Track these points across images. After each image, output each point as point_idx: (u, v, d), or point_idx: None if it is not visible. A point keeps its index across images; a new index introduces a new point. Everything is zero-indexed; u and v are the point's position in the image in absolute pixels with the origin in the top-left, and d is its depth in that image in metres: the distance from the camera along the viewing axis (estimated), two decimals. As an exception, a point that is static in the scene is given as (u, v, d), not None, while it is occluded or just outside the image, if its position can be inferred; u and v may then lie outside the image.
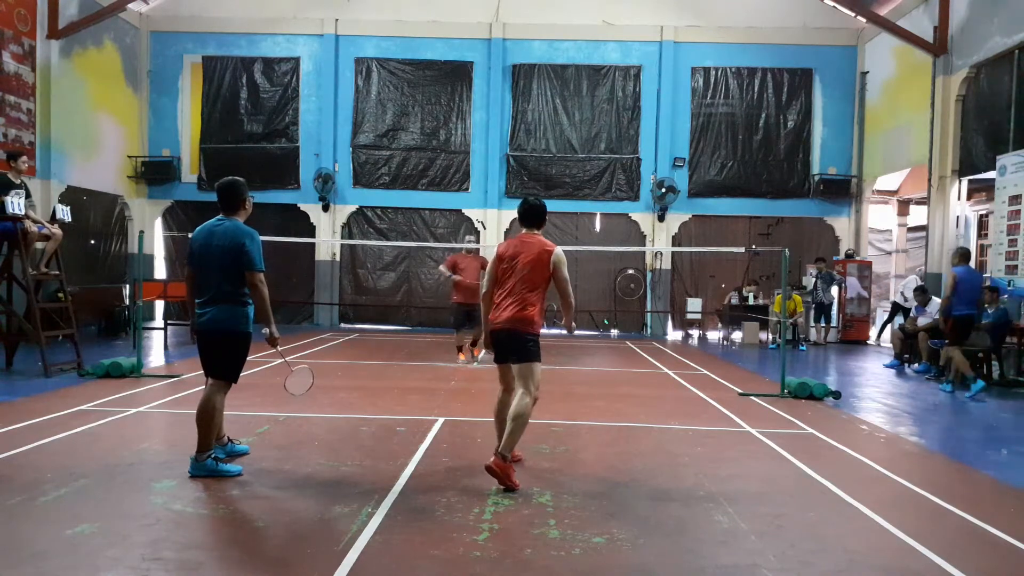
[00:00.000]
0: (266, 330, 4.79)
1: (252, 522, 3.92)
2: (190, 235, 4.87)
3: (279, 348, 4.94)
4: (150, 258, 17.14)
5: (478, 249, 11.32)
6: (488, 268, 5.03)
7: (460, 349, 10.72)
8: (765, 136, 16.92)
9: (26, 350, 9.50)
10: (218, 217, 4.79)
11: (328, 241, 16.92)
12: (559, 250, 4.88)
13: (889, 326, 14.05)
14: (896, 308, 13.87)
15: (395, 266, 17.42)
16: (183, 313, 15.99)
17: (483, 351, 10.74)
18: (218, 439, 4.93)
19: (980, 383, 8.75)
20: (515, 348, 4.81)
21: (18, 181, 8.82)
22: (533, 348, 4.82)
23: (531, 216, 5.02)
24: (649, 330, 17.23)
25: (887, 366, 11.60)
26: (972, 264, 10.36)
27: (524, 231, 5.00)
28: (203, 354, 4.79)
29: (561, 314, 5.25)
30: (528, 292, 4.79)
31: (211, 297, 4.67)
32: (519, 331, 4.79)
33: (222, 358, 4.74)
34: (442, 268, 10.67)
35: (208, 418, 4.65)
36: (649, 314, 17.20)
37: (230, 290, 4.65)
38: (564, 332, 5.56)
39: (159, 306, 16.15)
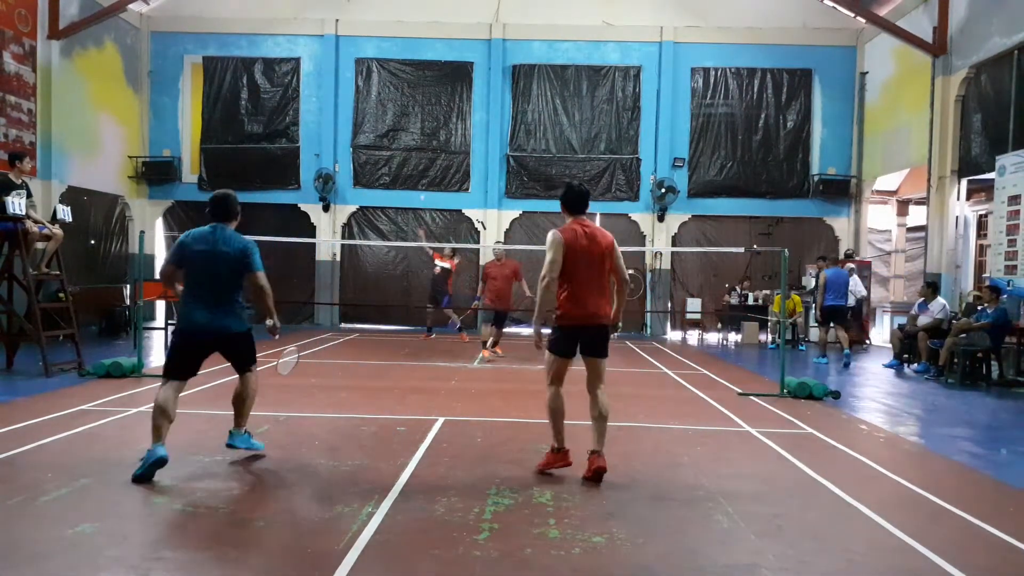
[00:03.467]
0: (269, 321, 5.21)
1: (252, 522, 3.92)
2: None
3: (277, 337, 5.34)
4: (151, 258, 17.11)
5: (504, 253, 11.71)
6: (556, 257, 4.65)
7: (495, 344, 11.27)
8: (765, 136, 16.92)
9: (27, 350, 9.50)
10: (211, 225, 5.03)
11: (328, 241, 16.93)
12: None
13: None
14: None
15: (395, 266, 17.42)
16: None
17: (490, 351, 11.01)
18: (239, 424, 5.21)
19: (824, 359, 11.89)
20: (604, 342, 4.80)
21: (19, 181, 8.82)
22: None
23: (584, 200, 4.85)
24: (649, 330, 17.23)
25: (887, 366, 11.61)
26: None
27: (575, 218, 4.80)
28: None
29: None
30: (607, 283, 4.79)
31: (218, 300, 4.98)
32: (607, 325, 4.78)
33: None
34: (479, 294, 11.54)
35: (244, 400, 5.14)
36: (649, 314, 17.20)
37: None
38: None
39: (160, 306, 16.14)
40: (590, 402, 4.86)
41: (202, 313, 4.87)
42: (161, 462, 4.57)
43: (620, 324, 5.04)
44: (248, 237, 5.09)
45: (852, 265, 14.13)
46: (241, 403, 5.14)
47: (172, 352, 4.99)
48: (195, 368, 5.00)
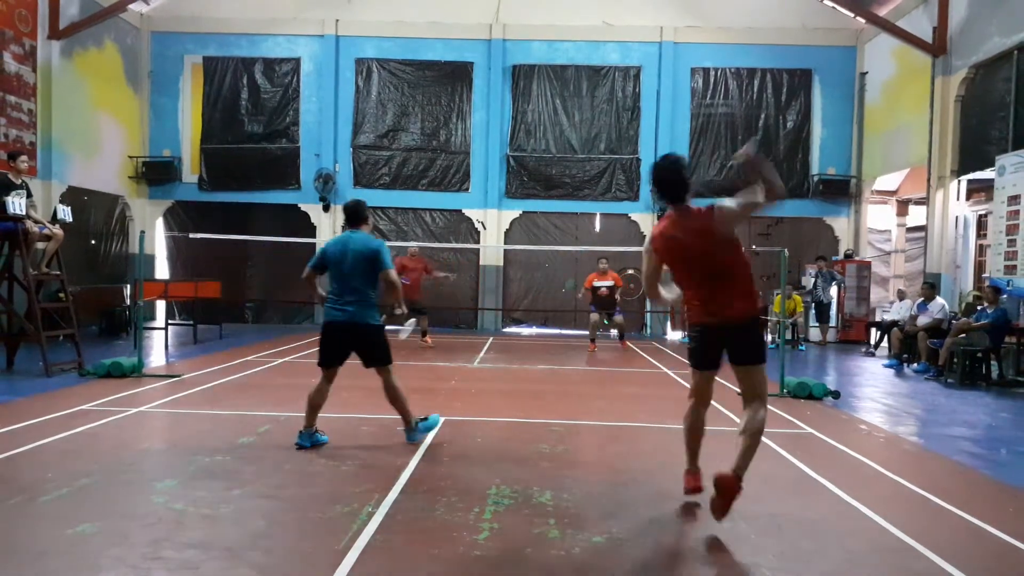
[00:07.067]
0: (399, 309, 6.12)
1: (252, 522, 3.93)
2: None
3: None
4: (151, 258, 17.13)
5: (418, 251, 13.27)
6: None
7: (425, 334, 12.74)
8: (764, 136, 16.90)
9: (27, 350, 9.50)
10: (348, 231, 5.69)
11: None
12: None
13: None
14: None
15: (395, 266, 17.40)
16: (184, 313, 16.01)
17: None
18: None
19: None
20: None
21: (19, 181, 8.82)
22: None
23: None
24: (649, 330, 17.24)
25: (886, 366, 11.62)
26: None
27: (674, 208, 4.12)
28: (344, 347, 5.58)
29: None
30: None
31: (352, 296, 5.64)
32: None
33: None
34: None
35: (400, 396, 5.61)
36: (649, 314, 17.21)
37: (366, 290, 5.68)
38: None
39: (160, 306, 16.14)
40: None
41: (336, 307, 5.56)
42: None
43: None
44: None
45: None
46: (395, 401, 5.63)
47: (319, 346, 5.61)
48: (341, 359, 5.57)
